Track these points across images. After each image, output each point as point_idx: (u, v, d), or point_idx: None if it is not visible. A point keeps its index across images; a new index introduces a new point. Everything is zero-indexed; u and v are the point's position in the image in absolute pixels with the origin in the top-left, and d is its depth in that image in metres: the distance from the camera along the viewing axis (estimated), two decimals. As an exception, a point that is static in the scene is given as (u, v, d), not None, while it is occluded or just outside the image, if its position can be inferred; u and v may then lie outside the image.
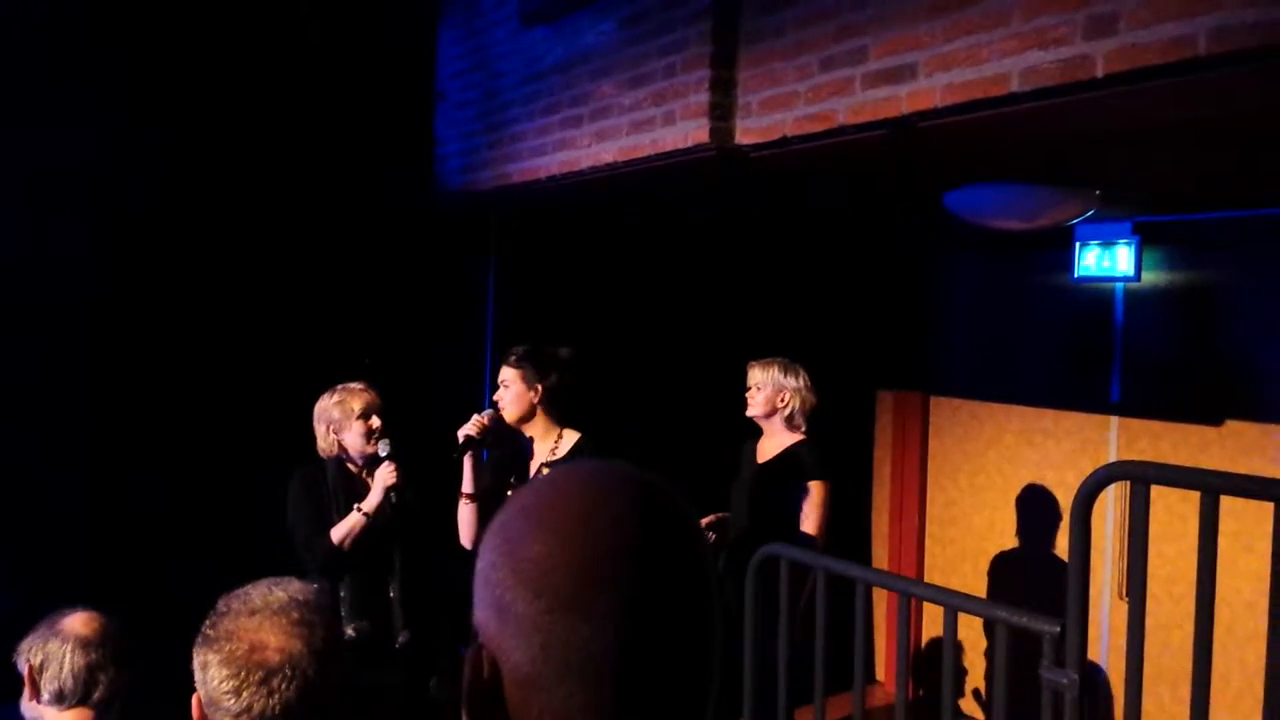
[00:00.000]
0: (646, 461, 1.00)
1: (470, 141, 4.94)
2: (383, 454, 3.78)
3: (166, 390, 4.65)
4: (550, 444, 3.82)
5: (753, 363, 4.44)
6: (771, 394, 4.36)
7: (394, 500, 3.74)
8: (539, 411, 3.80)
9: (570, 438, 3.83)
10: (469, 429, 3.75)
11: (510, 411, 3.81)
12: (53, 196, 4.42)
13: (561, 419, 3.85)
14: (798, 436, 4.37)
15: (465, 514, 3.80)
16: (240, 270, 4.79)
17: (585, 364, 3.94)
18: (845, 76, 3.06)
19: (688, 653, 0.87)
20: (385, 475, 3.73)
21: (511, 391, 3.80)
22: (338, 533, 3.73)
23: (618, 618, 0.83)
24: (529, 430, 3.83)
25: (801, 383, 4.37)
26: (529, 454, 3.85)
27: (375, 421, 3.80)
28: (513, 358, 3.83)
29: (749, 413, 4.42)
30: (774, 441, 4.42)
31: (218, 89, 4.73)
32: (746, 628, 3.82)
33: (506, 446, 3.93)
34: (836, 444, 6.32)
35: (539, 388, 3.78)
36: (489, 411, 3.86)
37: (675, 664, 0.86)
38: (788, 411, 4.36)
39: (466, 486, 3.79)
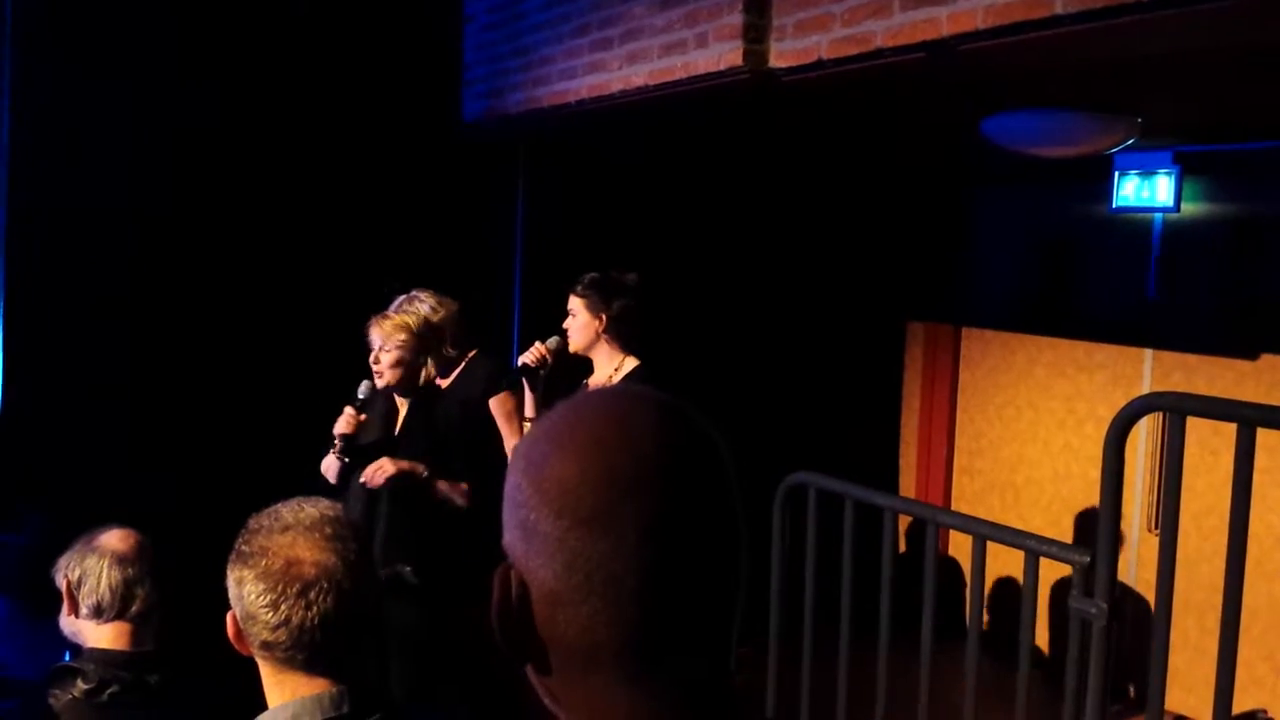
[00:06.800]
0: (696, 390, 0.99)
1: (498, 65, 4.88)
2: (359, 395, 3.67)
3: (197, 315, 4.68)
4: (609, 372, 3.75)
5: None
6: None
7: (340, 448, 3.61)
8: (602, 339, 3.72)
9: (629, 365, 3.76)
10: (526, 358, 3.70)
11: (575, 340, 3.73)
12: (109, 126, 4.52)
13: (625, 346, 3.75)
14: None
15: None
16: (266, 195, 4.78)
17: (652, 290, 3.87)
18: (884, -3, 2.99)
19: (711, 570, 0.87)
20: (340, 421, 3.63)
21: (577, 320, 3.72)
22: (324, 464, 3.72)
23: (637, 533, 0.83)
24: (593, 357, 3.78)
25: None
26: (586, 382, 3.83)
27: (376, 355, 3.64)
28: (579, 286, 3.74)
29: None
30: None
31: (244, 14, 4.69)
32: (774, 554, 3.84)
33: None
34: (864, 374, 6.39)
35: (603, 316, 3.70)
36: (554, 339, 3.77)
37: (698, 581, 0.86)
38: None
39: (528, 412, 3.76)
